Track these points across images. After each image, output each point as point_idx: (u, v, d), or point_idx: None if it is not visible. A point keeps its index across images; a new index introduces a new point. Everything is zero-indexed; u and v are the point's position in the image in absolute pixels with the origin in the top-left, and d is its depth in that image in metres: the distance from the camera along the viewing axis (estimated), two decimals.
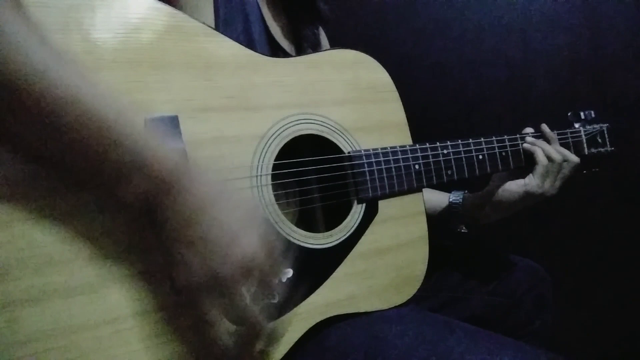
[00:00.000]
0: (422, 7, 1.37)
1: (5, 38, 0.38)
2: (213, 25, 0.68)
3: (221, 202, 0.46)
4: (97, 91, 0.43)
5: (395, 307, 0.69)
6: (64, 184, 0.46)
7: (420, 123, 0.81)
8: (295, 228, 0.63)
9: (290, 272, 0.61)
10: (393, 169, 0.71)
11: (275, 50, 0.78)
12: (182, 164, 0.45)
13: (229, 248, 0.45)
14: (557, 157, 0.83)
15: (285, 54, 0.79)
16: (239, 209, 0.48)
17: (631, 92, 1.37)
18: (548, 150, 0.84)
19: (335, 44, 0.82)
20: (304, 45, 0.84)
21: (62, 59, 0.42)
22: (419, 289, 0.73)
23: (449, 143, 0.78)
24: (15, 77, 0.38)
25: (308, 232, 0.64)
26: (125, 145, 0.43)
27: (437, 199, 0.93)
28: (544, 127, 0.87)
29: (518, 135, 0.87)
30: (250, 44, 0.72)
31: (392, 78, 0.75)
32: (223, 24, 0.68)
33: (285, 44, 0.80)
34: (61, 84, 0.40)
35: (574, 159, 0.85)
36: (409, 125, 0.76)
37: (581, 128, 1.00)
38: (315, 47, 0.84)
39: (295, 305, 0.61)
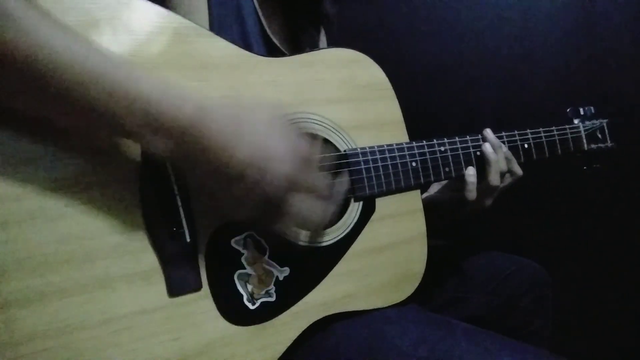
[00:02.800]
0: (422, 6, 1.37)
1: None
2: (207, 26, 0.68)
3: (244, 122, 0.49)
4: (104, 56, 0.44)
5: (395, 306, 0.69)
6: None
7: (420, 122, 0.81)
8: (293, 227, 0.63)
9: (287, 271, 0.61)
10: (390, 167, 0.71)
11: (272, 51, 0.78)
12: (199, 107, 0.47)
13: (275, 153, 0.49)
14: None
15: (282, 55, 0.79)
16: (260, 119, 0.51)
17: (631, 91, 1.37)
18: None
19: (334, 43, 0.83)
20: (303, 45, 0.84)
21: (68, 31, 0.43)
22: (418, 288, 0.72)
23: (445, 140, 0.78)
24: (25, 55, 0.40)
25: (306, 231, 0.64)
26: (145, 102, 0.45)
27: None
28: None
29: (517, 132, 0.87)
30: (246, 45, 0.72)
31: (391, 77, 0.75)
32: (217, 25, 0.69)
33: (282, 44, 0.80)
34: (70, 55, 0.42)
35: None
36: (409, 124, 0.76)
37: (580, 124, 1.00)
38: (314, 48, 0.84)
39: (293, 303, 0.61)
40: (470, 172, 0.79)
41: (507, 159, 0.82)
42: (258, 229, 0.59)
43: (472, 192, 0.78)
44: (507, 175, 0.83)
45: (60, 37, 0.42)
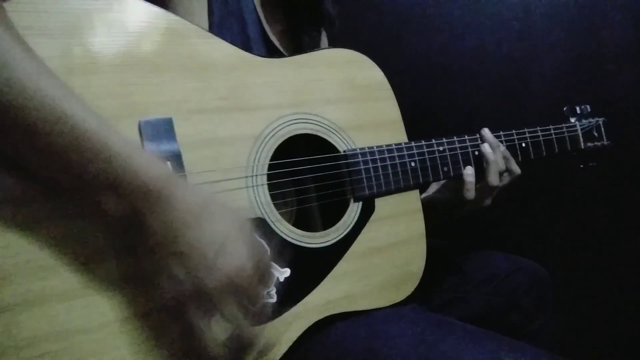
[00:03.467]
0: (421, 6, 1.37)
1: None
2: (207, 28, 0.68)
3: (207, 213, 0.46)
4: (78, 101, 0.42)
5: (395, 306, 0.69)
6: (52, 193, 0.46)
7: (419, 122, 0.81)
8: (292, 228, 0.63)
9: (288, 272, 0.61)
10: (389, 167, 0.71)
11: (272, 52, 0.78)
12: (167, 175, 0.45)
13: (215, 261, 0.44)
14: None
15: (282, 56, 0.79)
16: (225, 221, 0.47)
17: (629, 90, 1.37)
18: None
19: (334, 44, 0.82)
20: (303, 46, 0.84)
21: (44, 71, 0.42)
22: (418, 288, 0.73)
23: (444, 140, 0.78)
24: None
25: (305, 232, 0.64)
26: (109, 155, 0.42)
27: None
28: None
29: (514, 131, 0.87)
30: (246, 46, 0.72)
31: (390, 77, 0.75)
32: (218, 26, 0.68)
33: (283, 45, 0.80)
34: (41, 96, 0.40)
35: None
36: (409, 124, 0.76)
37: (577, 122, 1.00)
38: (314, 49, 0.84)
39: (293, 304, 0.61)
40: (469, 172, 0.79)
41: (505, 158, 0.82)
42: (258, 228, 0.59)
43: (470, 192, 0.79)
44: (506, 174, 0.83)
45: (35, 77, 0.41)
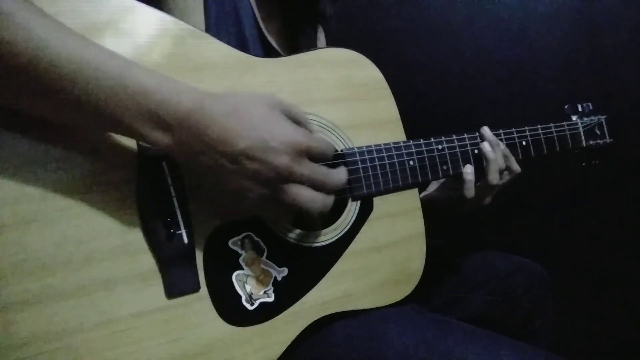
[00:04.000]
0: (420, 5, 1.37)
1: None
2: (203, 28, 0.68)
3: (243, 110, 0.50)
4: (100, 48, 0.46)
5: (395, 306, 0.69)
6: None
7: (418, 121, 0.81)
8: (290, 227, 0.63)
9: (286, 271, 0.62)
10: (387, 166, 0.71)
11: (269, 52, 0.78)
12: (196, 95, 0.48)
13: (273, 141, 0.49)
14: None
15: (279, 56, 0.79)
16: (260, 108, 0.51)
17: (631, 89, 1.36)
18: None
19: (332, 43, 0.83)
20: (301, 45, 0.84)
21: (62, 28, 0.44)
22: (417, 288, 0.72)
23: (443, 138, 0.78)
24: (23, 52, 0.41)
25: (303, 231, 0.64)
26: (142, 94, 0.45)
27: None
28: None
29: (514, 130, 0.87)
30: (243, 45, 0.72)
31: (388, 75, 0.75)
32: (214, 27, 0.68)
33: (280, 45, 0.80)
34: (67, 51, 0.43)
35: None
36: (408, 123, 0.76)
37: (578, 120, 1.00)
38: (311, 48, 0.84)
39: (292, 303, 0.61)
40: (468, 170, 0.79)
41: (505, 156, 0.82)
42: (255, 228, 0.59)
43: (470, 190, 0.78)
44: (506, 173, 0.83)
45: (55, 33, 0.43)
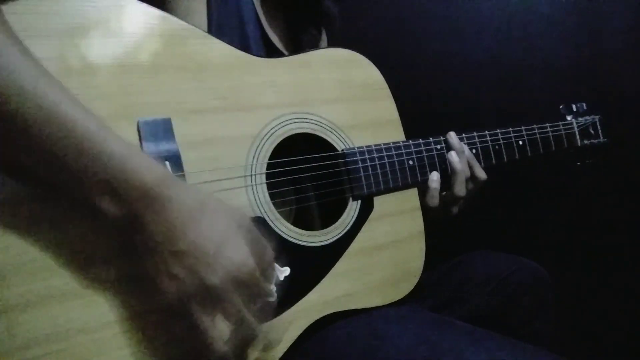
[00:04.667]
0: (420, 5, 1.38)
1: None
2: (206, 29, 0.68)
3: (206, 212, 0.46)
4: (76, 103, 0.42)
5: (396, 306, 0.69)
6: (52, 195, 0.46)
7: (417, 121, 0.81)
8: (291, 227, 0.63)
9: (287, 271, 0.62)
10: (387, 165, 0.71)
11: (271, 52, 0.78)
12: (165, 176, 0.45)
13: (216, 257, 0.45)
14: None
15: (281, 56, 0.79)
16: (224, 218, 0.47)
17: (628, 89, 1.38)
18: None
19: (334, 43, 0.83)
20: (303, 46, 0.84)
21: (41, 73, 0.42)
22: (417, 288, 0.73)
23: (441, 138, 0.78)
24: None
25: (304, 230, 0.64)
26: (108, 157, 0.42)
27: None
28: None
29: (511, 129, 0.88)
30: (245, 45, 0.72)
31: (388, 76, 0.76)
32: (217, 27, 0.69)
33: (282, 45, 0.80)
34: (39, 98, 0.40)
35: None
36: (408, 123, 0.77)
37: (573, 120, 1.01)
38: (313, 48, 0.83)
39: (293, 303, 0.61)
40: (434, 178, 0.76)
41: (469, 164, 0.80)
42: (257, 227, 0.59)
43: (434, 199, 0.76)
44: (470, 182, 0.80)
45: (33, 79, 0.41)
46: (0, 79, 0.39)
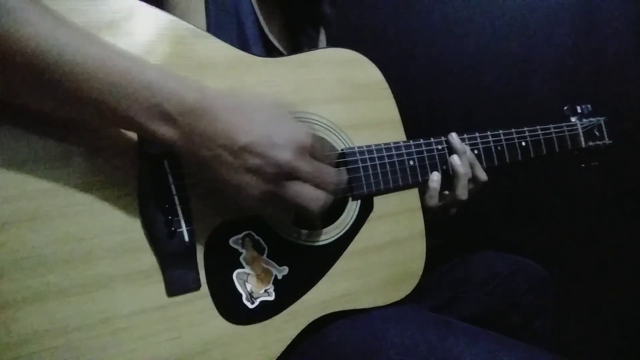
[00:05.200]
0: (421, 5, 1.38)
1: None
2: (205, 28, 0.68)
3: (248, 107, 0.51)
4: (108, 46, 0.46)
5: (395, 306, 0.69)
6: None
7: (418, 121, 0.81)
8: (291, 226, 0.63)
9: (286, 270, 0.62)
10: (387, 165, 0.71)
11: (270, 51, 0.78)
12: (202, 90, 0.48)
13: (277, 137, 0.50)
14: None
15: (280, 55, 0.79)
16: (265, 107, 0.52)
17: (632, 91, 1.37)
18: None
19: (333, 43, 0.83)
20: (302, 46, 0.84)
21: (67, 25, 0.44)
22: (417, 288, 0.72)
23: (443, 138, 0.78)
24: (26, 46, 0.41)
25: (304, 230, 0.64)
26: (149, 84, 0.46)
27: None
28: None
29: (514, 130, 0.87)
30: (244, 45, 0.72)
31: (389, 76, 0.76)
32: (215, 27, 0.69)
33: (281, 45, 0.80)
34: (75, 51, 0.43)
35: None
36: (408, 123, 0.76)
37: (578, 121, 1.00)
38: (312, 48, 0.84)
39: (292, 302, 0.61)
40: (435, 178, 0.76)
41: (471, 164, 0.79)
42: (256, 226, 0.59)
43: (433, 199, 0.76)
44: (471, 184, 0.80)
45: (62, 28, 0.43)
46: (34, 32, 0.42)
